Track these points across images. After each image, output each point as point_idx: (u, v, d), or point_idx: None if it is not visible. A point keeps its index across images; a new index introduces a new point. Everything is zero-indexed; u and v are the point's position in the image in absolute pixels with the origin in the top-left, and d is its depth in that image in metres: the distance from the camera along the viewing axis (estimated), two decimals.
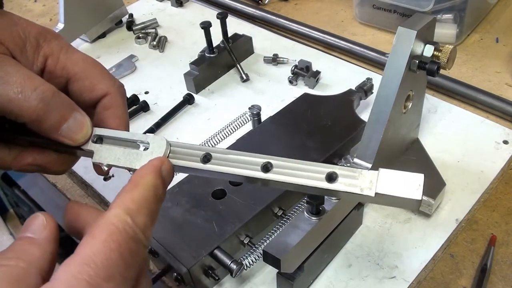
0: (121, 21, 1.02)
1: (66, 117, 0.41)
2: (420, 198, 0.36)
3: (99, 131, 0.43)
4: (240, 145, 0.64)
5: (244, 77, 0.83)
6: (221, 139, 0.64)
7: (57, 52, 0.44)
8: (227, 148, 0.63)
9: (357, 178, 0.37)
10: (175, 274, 0.51)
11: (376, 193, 0.37)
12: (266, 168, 0.39)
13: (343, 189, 0.37)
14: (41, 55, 0.43)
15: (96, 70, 0.45)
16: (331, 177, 0.38)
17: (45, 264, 0.31)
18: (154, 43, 0.94)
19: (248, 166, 0.40)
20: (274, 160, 0.39)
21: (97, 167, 0.44)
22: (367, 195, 0.37)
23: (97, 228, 0.32)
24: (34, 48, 0.43)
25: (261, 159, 0.40)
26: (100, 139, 0.43)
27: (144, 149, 0.42)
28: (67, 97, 0.42)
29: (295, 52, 0.88)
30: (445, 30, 0.84)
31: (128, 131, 0.45)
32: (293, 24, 0.96)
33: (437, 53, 0.54)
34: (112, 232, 0.31)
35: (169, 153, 0.41)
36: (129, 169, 0.42)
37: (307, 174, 0.39)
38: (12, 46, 0.41)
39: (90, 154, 0.43)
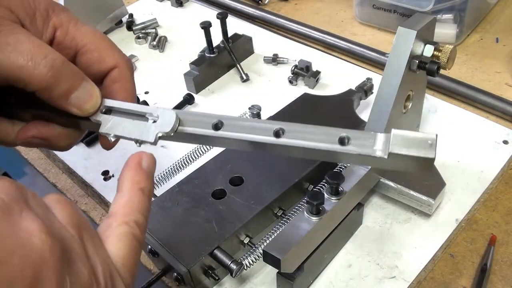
0: (121, 21, 1.02)
1: (76, 86, 0.41)
2: (433, 157, 0.35)
3: (108, 102, 0.43)
4: None
5: (244, 77, 0.83)
6: None
7: (66, 23, 0.44)
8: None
9: (369, 140, 0.37)
10: (175, 274, 0.51)
11: (389, 154, 0.35)
12: (278, 133, 0.39)
13: (355, 151, 0.36)
14: (50, 25, 0.43)
15: (104, 43, 0.45)
16: (343, 140, 0.37)
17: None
18: (154, 43, 0.94)
19: (260, 132, 0.39)
20: (286, 126, 0.39)
21: (104, 140, 0.44)
22: (380, 156, 0.36)
23: (109, 236, 0.33)
24: (44, 18, 0.43)
25: (273, 125, 0.39)
26: (109, 111, 0.43)
27: (153, 122, 0.41)
28: (76, 67, 0.42)
29: (295, 52, 0.88)
30: (445, 30, 0.84)
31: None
32: (293, 24, 0.96)
33: (437, 53, 0.54)
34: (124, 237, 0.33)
35: (178, 125, 0.41)
36: (136, 141, 0.41)
37: (319, 138, 0.38)
38: (23, 15, 0.41)
39: (97, 126, 0.43)
